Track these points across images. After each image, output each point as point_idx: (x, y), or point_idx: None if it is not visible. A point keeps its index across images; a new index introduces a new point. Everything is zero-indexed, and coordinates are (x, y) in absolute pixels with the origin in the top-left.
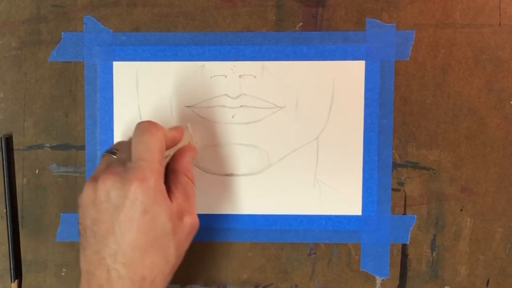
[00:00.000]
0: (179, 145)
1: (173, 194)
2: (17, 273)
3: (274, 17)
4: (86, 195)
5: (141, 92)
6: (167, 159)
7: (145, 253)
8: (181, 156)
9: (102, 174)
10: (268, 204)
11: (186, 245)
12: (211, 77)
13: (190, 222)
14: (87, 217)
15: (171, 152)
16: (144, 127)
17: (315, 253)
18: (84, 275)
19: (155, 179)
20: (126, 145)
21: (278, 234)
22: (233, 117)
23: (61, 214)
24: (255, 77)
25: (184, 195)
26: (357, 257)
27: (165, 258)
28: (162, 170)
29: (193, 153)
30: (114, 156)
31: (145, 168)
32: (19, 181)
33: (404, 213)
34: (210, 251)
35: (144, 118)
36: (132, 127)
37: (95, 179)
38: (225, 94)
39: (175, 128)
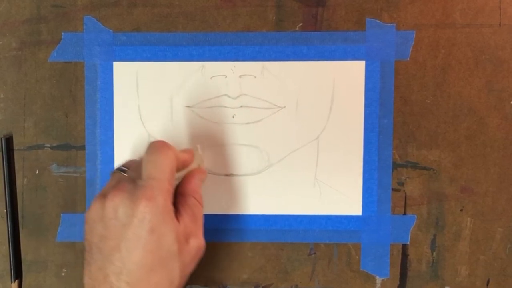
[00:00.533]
0: (189, 167)
1: (180, 216)
2: (17, 273)
3: (274, 17)
4: (94, 211)
5: (141, 92)
6: (177, 181)
7: (150, 272)
8: (190, 178)
9: (111, 190)
10: (268, 204)
11: (191, 268)
12: (211, 77)
13: (196, 245)
14: (94, 233)
15: (181, 174)
16: (157, 147)
17: (315, 253)
18: None
19: (164, 198)
20: (137, 164)
21: (278, 234)
22: (233, 117)
23: (61, 214)
24: (255, 77)
25: (191, 217)
26: (357, 257)
27: (170, 279)
28: (171, 190)
29: (202, 176)
30: (124, 174)
31: (155, 187)
32: (19, 181)
33: (404, 213)
34: (210, 251)
35: (144, 118)
36: (132, 127)
37: (103, 195)
38: (225, 94)
39: (185, 151)
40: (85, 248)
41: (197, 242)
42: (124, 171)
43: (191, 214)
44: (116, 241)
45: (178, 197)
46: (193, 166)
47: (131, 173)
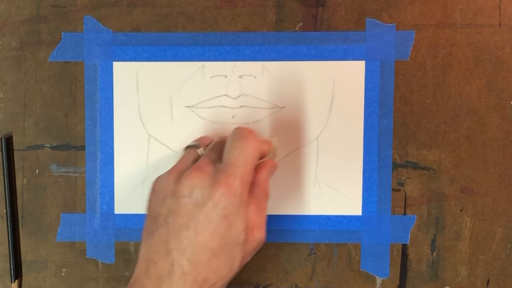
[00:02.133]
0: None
1: (248, 205)
2: (17, 273)
3: (274, 17)
4: (167, 184)
5: (141, 92)
6: None
7: (213, 256)
8: (262, 169)
9: (191, 169)
10: (268, 204)
11: (249, 258)
12: (211, 77)
13: (259, 237)
14: (164, 206)
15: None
16: (243, 134)
17: (315, 253)
18: (143, 262)
19: (242, 188)
20: (215, 144)
21: (278, 234)
22: (233, 117)
23: (61, 214)
24: (255, 77)
25: (258, 209)
26: (357, 257)
27: (230, 266)
28: (250, 180)
29: (274, 168)
30: (200, 151)
31: (236, 176)
32: (19, 181)
33: (404, 213)
34: None
35: (144, 118)
36: (132, 127)
37: (179, 171)
38: (225, 94)
39: (265, 141)
40: (148, 218)
41: (260, 235)
42: (198, 148)
43: (258, 205)
44: (186, 219)
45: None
46: (266, 157)
47: (210, 154)
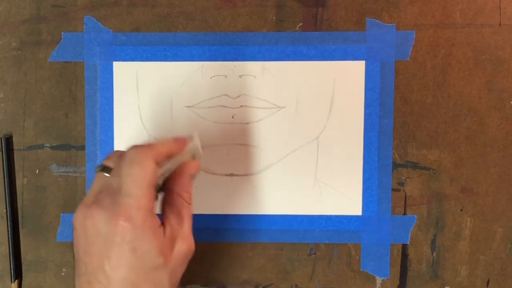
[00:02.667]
0: (184, 156)
1: (166, 217)
2: (17, 273)
3: (274, 17)
4: (78, 222)
5: (141, 92)
6: (167, 174)
7: None
8: (179, 175)
9: (92, 205)
10: (268, 204)
11: (181, 271)
12: (211, 77)
13: (183, 249)
14: (80, 246)
15: (172, 166)
16: (133, 159)
17: (315, 253)
18: None
19: (142, 216)
20: (117, 165)
21: (278, 234)
22: (233, 117)
23: (61, 214)
24: (255, 77)
25: (178, 218)
26: (357, 257)
27: None
28: (151, 204)
29: (193, 171)
30: (108, 175)
31: (133, 206)
32: (19, 181)
33: (404, 213)
34: (210, 251)
35: (144, 118)
36: (132, 127)
37: (87, 206)
38: (225, 94)
39: (175, 141)
40: (74, 256)
41: (184, 245)
42: (108, 170)
43: (178, 214)
44: (99, 259)
45: (166, 194)
46: (186, 156)
47: (113, 180)
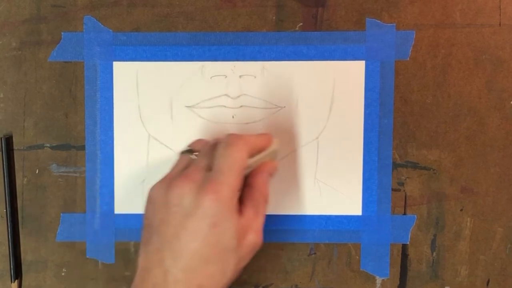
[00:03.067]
0: (265, 156)
1: (245, 208)
2: (17, 273)
3: (274, 17)
4: (159, 193)
5: (141, 92)
6: (249, 170)
7: (205, 263)
8: (260, 172)
9: (180, 177)
10: (268, 204)
11: (246, 261)
12: (211, 77)
13: (254, 240)
14: (156, 215)
15: (254, 162)
16: (230, 141)
17: (315, 253)
18: (140, 271)
19: (230, 194)
20: (207, 149)
21: (278, 234)
22: (233, 117)
23: (61, 214)
24: (255, 77)
25: (254, 211)
26: (357, 257)
27: (224, 272)
28: (238, 186)
29: (273, 170)
30: (195, 157)
31: (224, 183)
32: (19, 181)
33: (404, 213)
34: None
35: (144, 118)
36: (132, 127)
37: (170, 179)
38: (225, 94)
39: (264, 136)
40: (144, 226)
41: (255, 238)
42: (192, 153)
43: (255, 208)
44: (177, 229)
45: (246, 188)
46: (267, 156)
47: (201, 160)
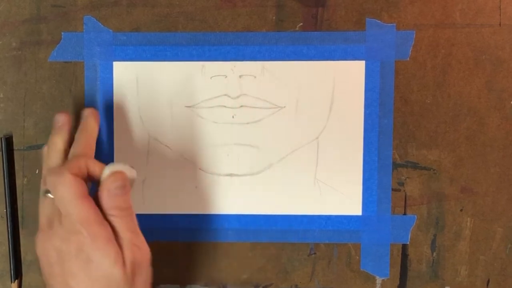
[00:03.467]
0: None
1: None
2: (17, 273)
3: (274, 17)
4: (39, 249)
5: (141, 92)
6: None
7: None
8: (101, 193)
9: (46, 229)
10: (268, 204)
11: (148, 275)
12: (211, 77)
13: (141, 255)
14: (44, 271)
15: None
16: (56, 179)
17: (315, 253)
18: None
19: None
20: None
21: (278, 234)
22: (233, 117)
23: None
24: (255, 77)
25: (121, 230)
26: (357, 257)
27: None
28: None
29: (118, 182)
30: (51, 196)
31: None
32: (19, 181)
33: (404, 213)
34: (210, 251)
35: (144, 118)
36: (132, 127)
37: (41, 231)
38: (225, 94)
39: (94, 165)
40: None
41: (140, 252)
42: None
43: (125, 224)
44: (63, 277)
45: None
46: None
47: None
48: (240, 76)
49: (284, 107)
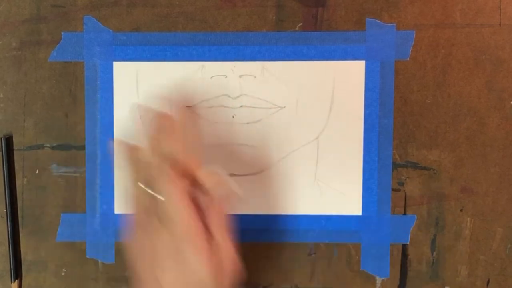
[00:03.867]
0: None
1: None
2: (17, 273)
3: (274, 17)
4: (135, 244)
5: (141, 92)
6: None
7: None
8: (210, 214)
9: (143, 223)
10: (268, 204)
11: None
12: (211, 77)
13: (233, 269)
14: (137, 265)
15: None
16: (166, 180)
17: (315, 253)
18: None
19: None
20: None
21: (278, 234)
22: (233, 117)
23: (61, 214)
24: (255, 77)
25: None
26: (357, 257)
27: None
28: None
29: (223, 203)
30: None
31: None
32: (19, 181)
33: (404, 213)
34: None
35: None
36: (133, 127)
37: (138, 226)
38: (225, 94)
39: (207, 175)
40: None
41: (234, 266)
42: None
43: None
44: (152, 271)
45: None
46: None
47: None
48: (240, 76)
49: (284, 107)
